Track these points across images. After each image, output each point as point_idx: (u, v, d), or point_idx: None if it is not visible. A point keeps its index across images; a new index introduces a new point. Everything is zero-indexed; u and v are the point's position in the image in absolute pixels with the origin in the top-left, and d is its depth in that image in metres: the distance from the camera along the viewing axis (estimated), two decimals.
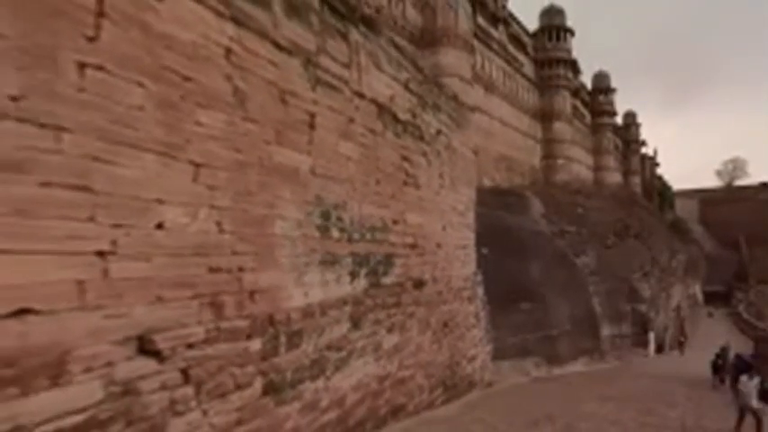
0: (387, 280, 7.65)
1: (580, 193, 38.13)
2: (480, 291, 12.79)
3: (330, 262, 6.18)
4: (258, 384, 4.90)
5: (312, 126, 5.89)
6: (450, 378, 10.20)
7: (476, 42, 27.32)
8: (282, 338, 5.24)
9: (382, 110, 7.67)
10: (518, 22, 38.38)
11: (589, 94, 53.97)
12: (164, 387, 3.88)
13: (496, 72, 33.00)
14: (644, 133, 72.27)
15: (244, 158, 4.77)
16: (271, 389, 5.06)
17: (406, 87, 8.64)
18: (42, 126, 3.09)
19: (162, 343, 3.88)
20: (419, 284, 8.80)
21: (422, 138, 9.21)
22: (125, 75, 3.62)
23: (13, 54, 2.95)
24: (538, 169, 39.63)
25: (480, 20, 29.04)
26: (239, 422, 4.64)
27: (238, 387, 4.65)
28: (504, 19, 34.06)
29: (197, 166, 4.24)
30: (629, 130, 67.22)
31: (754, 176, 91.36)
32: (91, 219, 3.39)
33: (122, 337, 3.62)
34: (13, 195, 2.94)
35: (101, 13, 3.45)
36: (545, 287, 24.56)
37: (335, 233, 6.30)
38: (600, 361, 25.07)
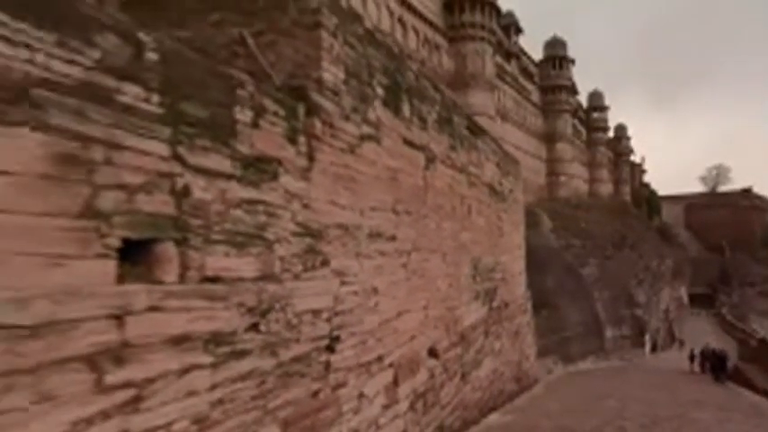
0: (494, 305, 11.21)
1: (580, 208, 42.07)
2: (529, 304, 16.41)
3: (476, 296, 9.73)
4: (459, 373, 8.43)
5: (469, 213, 9.44)
6: (518, 373, 13.78)
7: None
8: (465, 346, 8.78)
9: (491, 188, 11.23)
10: (527, 55, 42.54)
11: (585, 111, 58.34)
12: (441, 373, 7.41)
13: (510, 102, 36.95)
14: (630, 134, 76.05)
15: (454, 244, 8.31)
16: (462, 376, 8.60)
17: (498, 165, 12.21)
18: (416, 249, 6.60)
19: (438, 350, 7.40)
20: (506, 305, 12.38)
21: (504, 199, 12.78)
22: (430, 214, 7.15)
23: (411, 219, 6.46)
24: (543, 186, 43.58)
25: (497, 57, 32.83)
26: (455, 394, 8.17)
27: (454, 375, 8.18)
28: (516, 54, 38.10)
29: (443, 254, 7.77)
30: (619, 142, 71.70)
31: (736, 183, 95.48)
32: (421, 289, 6.91)
33: (428, 348, 7.14)
34: (410, 285, 6.45)
35: (426, 188, 6.98)
36: (558, 296, 28.30)
37: (477, 278, 9.85)
38: (604, 359, 28.86)
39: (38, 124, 2.26)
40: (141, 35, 2.82)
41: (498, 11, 30.51)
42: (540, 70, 46.44)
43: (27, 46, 2.26)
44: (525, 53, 42.16)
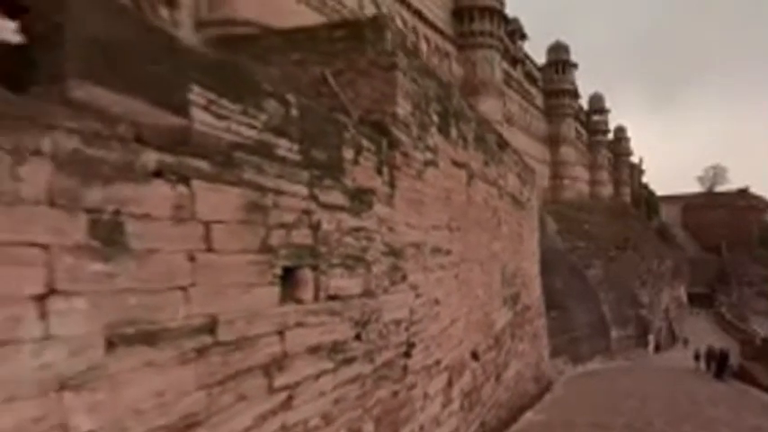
0: (517, 308, 11.80)
1: (583, 210, 42.72)
2: (543, 307, 17.03)
3: (504, 302, 10.32)
4: (494, 374, 9.01)
5: (500, 223, 10.02)
6: (537, 373, 14.38)
7: None
8: (498, 348, 9.36)
9: (513, 198, 11.82)
10: (531, 60, 43.35)
11: (586, 114, 59.17)
12: (481, 374, 7.99)
13: (515, 107, 37.69)
14: (628, 135, 76.63)
15: (488, 253, 8.89)
16: (496, 377, 9.18)
17: (518, 176, 12.80)
18: (463, 261, 7.18)
19: (478, 352, 7.98)
20: (527, 309, 12.98)
21: (523, 207, 13.37)
22: (472, 228, 7.72)
23: (460, 234, 7.03)
24: (547, 189, 44.25)
25: (504, 63, 33.51)
26: (492, 394, 8.75)
27: (490, 376, 8.76)
28: (520, 60, 38.83)
29: (481, 263, 8.35)
30: (619, 144, 72.50)
31: (733, 183, 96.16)
32: (466, 297, 7.47)
33: (470, 351, 7.71)
34: (459, 294, 7.03)
35: (468, 203, 7.56)
36: (566, 297, 28.88)
37: (505, 283, 10.43)
38: (611, 359, 29.49)
39: (238, 180, 2.84)
40: (289, 96, 3.40)
41: (506, 19, 31.28)
42: (544, 74, 47.29)
43: (226, 118, 2.83)
44: (529, 58, 42.98)
